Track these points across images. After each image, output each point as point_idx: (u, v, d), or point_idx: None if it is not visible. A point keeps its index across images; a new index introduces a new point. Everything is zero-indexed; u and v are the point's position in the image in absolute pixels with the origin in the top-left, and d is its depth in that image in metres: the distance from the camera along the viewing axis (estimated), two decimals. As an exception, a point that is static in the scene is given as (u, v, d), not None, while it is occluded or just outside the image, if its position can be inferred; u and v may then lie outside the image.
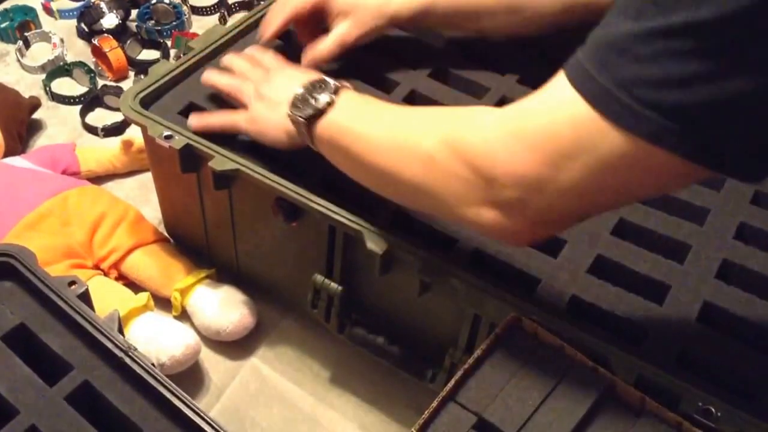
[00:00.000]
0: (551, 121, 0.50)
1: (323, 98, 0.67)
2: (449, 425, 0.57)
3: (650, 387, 0.59)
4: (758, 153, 0.44)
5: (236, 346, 0.88)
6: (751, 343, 0.62)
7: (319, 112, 0.66)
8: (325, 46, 0.82)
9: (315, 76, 0.71)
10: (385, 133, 0.62)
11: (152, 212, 0.99)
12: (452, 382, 0.59)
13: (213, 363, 0.87)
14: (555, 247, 0.70)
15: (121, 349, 0.62)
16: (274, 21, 0.84)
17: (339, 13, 0.82)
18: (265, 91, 0.74)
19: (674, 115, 0.43)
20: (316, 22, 0.84)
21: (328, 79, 0.69)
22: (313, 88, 0.68)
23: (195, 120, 0.78)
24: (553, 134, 0.50)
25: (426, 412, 0.57)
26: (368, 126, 0.64)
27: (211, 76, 0.80)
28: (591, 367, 0.59)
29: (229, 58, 0.82)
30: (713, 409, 0.57)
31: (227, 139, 0.77)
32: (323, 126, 0.66)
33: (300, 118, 0.67)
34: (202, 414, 0.59)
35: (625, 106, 0.45)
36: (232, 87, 0.78)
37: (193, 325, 0.88)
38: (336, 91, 0.67)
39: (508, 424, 0.57)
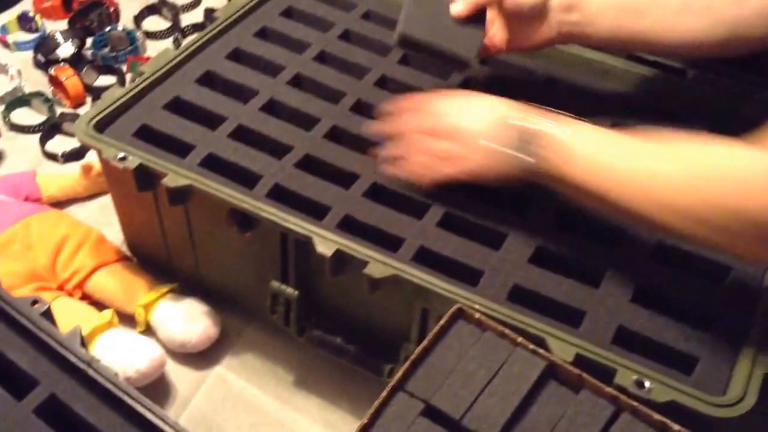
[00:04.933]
0: None
1: (561, 133, 0.63)
2: (398, 413, 0.60)
3: (588, 365, 0.62)
4: None
5: (201, 357, 0.90)
6: (683, 319, 0.66)
7: (560, 151, 0.63)
8: None
9: (506, 106, 0.68)
10: (648, 180, 0.59)
11: (115, 234, 1.01)
12: (400, 372, 0.62)
13: (179, 374, 0.89)
14: (497, 240, 0.73)
15: (84, 362, 0.64)
16: None
17: None
18: (458, 126, 0.70)
19: None
20: None
21: (540, 114, 0.65)
22: (533, 123, 0.65)
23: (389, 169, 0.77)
24: None
25: (376, 402, 0.60)
26: (627, 169, 0.61)
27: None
28: (531, 349, 0.62)
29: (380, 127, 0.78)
30: (646, 382, 0.60)
31: (179, 156, 0.80)
32: (570, 165, 0.63)
33: (530, 160, 0.64)
34: (164, 418, 0.61)
35: None
36: (400, 150, 0.75)
37: (158, 339, 0.90)
38: (563, 124, 0.64)
39: (455, 409, 0.59)
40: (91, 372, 0.64)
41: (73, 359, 0.65)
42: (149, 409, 0.62)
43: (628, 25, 0.73)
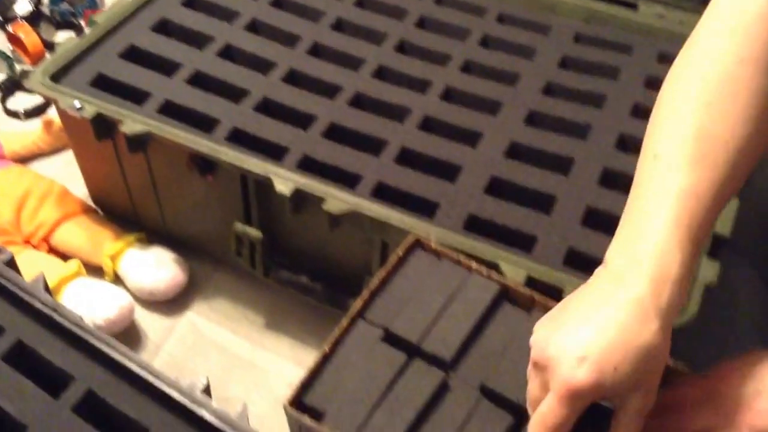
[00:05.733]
0: None
1: None
2: (359, 340, 0.62)
3: (539, 285, 0.64)
4: None
5: (171, 304, 0.92)
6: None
7: None
8: None
9: None
10: None
11: (79, 188, 1.02)
12: (359, 301, 0.63)
13: (149, 322, 0.90)
14: (453, 173, 0.75)
15: (49, 307, 0.65)
16: None
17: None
18: None
19: None
20: None
21: None
22: None
23: None
24: None
25: (336, 330, 0.62)
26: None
27: None
28: (485, 274, 0.64)
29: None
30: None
31: (137, 103, 0.81)
32: None
33: None
34: (132, 357, 0.63)
35: None
36: None
37: (127, 288, 0.91)
38: None
39: (412, 333, 0.61)
40: (56, 317, 0.65)
41: (37, 305, 0.66)
42: (116, 350, 0.63)
43: None
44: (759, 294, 0.82)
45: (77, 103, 0.79)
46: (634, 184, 0.52)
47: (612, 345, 0.45)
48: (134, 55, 0.87)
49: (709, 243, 0.66)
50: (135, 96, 0.82)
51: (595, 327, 0.46)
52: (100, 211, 0.98)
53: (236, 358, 0.88)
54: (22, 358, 0.65)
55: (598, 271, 0.51)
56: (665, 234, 0.48)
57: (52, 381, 0.64)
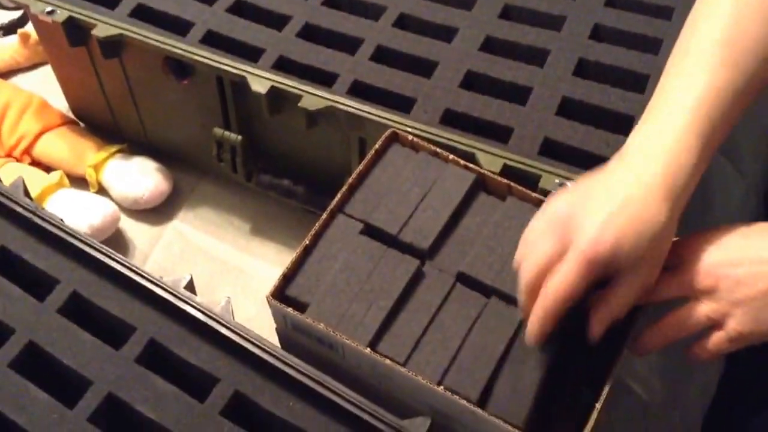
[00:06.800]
0: None
1: None
2: (338, 234, 0.62)
3: (515, 174, 0.65)
4: None
5: (157, 213, 0.92)
6: (603, 126, 0.68)
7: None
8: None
9: None
10: None
11: (60, 102, 1.01)
12: (338, 196, 0.64)
13: (136, 231, 0.91)
14: (428, 69, 0.74)
15: (29, 210, 0.66)
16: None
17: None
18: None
19: None
20: None
21: None
22: None
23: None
24: None
25: (316, 224, 0.63)
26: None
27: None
28: (462, 164, 0.65)
29: None
30: (569, 184, 0.63)
31: (109, 7, 0.80)
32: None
33: None
34: (113, 255, 0.63)
35: None
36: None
37: (111, 198, 0.91)
38: None
39: (392, 225, 0.62)
40: (36, 219, 0.65)
41: (18, 209, 0.66)
42: (99, 250, 0.64)
43: None
44: (730, 180, 0.83)
45: (49, 8, 0.78)
46: (664, 74, 0.55)
47: (630, 220, 0.50)
48: (104, -42, 0.86)
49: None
50: (107, 0, 0.81)
51: (617, 203, 0.50)
52: (80, 123, 0.98)
53: (223, 264, 0.89)
54: (7, 264, 0.65)
55: (615, 157, 0.54)
56: (683, 124, 0.51)
57: (38, 285, 0.65)
